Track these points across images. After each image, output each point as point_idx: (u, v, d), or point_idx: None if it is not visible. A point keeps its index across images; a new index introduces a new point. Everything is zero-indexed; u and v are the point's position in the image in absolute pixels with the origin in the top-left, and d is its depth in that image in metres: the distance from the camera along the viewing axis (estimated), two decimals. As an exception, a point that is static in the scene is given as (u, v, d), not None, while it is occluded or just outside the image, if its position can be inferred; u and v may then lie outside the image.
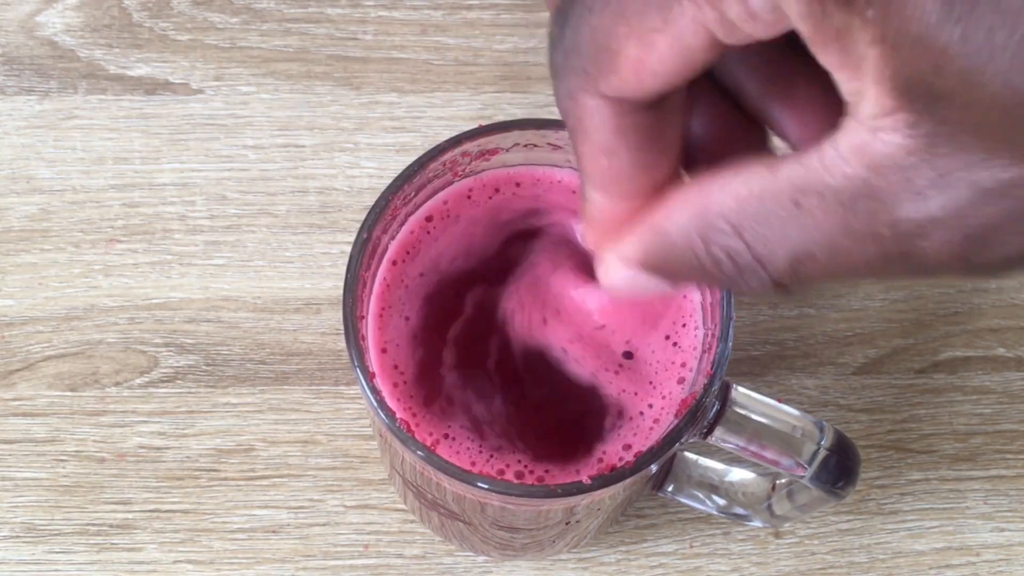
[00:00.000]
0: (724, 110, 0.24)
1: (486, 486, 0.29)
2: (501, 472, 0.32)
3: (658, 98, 0.22)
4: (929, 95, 0.17)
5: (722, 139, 0.24)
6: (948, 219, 0.19)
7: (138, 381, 0.43)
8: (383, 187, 0.31)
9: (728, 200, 0.21)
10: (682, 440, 0.30)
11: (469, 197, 0.34)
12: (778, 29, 0.19)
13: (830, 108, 0.21)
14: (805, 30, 0.18)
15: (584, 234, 0.25)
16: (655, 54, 0.20)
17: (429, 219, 0.34)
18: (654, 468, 0.30)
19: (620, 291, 0.25)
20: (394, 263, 0.33)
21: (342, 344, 0.30)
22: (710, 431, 0.31)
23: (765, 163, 0.21)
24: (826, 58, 0.19)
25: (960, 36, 0.17)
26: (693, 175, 0.22)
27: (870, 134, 0.19)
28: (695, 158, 0.24)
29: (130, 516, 0.42)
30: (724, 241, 0.21)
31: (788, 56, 0.23)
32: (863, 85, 0.18)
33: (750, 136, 0.24)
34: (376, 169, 0.46)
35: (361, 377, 0.30)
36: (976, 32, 0.17)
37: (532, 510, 0.32)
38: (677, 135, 0.23)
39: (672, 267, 0.23)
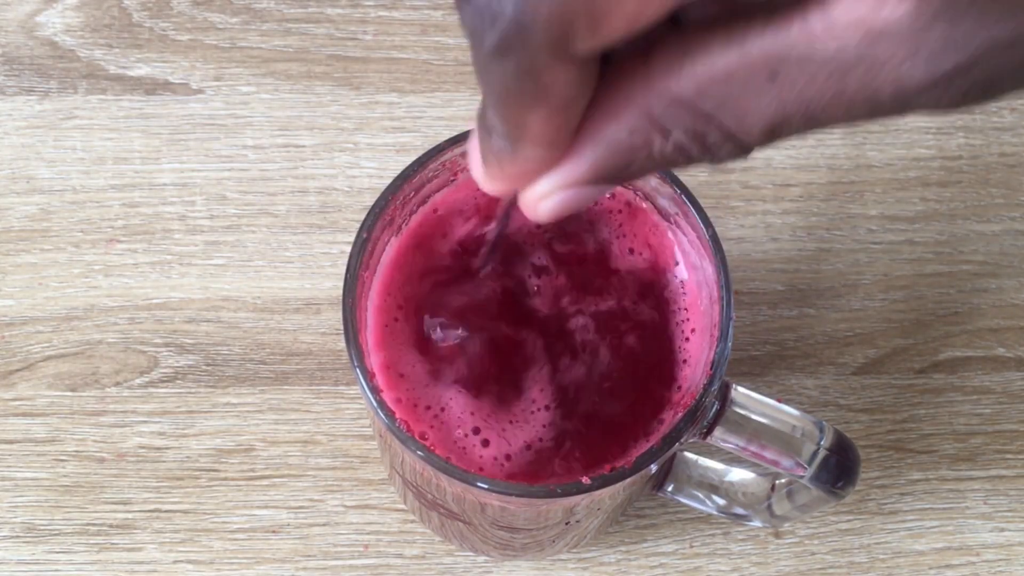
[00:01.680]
0: None
1: (486, 486, 0.29)
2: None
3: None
4: None
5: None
6: (958, 76, 0.18)
7: (138, 381, 0.44)
8: (383, 187, 0.31)
9: (686, 85, 0.20)
10: (682, 440, 0.30)
11: (470, 199, 0.34)
12: None
13: None
14: None
15: (494, 186, 0.23)
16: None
17: (429, 219, 0.34)
18: (654, 468, 0.30)
19: (554, 215, 0.23)
20: (394, 263, 0.33)
21: (342, 344, 0.30)
22: (710, 431, 0.31)
23: (726, 36, 0.19)
24: None
25: None
26: (626, 74, 0.21)
27: (875, 2, 0.18)
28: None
29: (130, 516, 0.42)
30: (690, 125, 0.20)
31: None
32: None
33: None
34: (376, 169, 0.46)
35: (361, 377, 0.30)
36: None
37: (532, 510, 0.32)
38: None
39: (628, 168, 0.21)
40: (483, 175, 0.23)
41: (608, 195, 0.34)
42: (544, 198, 0.22)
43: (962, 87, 0.19)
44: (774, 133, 0.20)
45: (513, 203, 0.24)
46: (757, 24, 0.19)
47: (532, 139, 0.21)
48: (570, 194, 0.22)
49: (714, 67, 0.19)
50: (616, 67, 0.21)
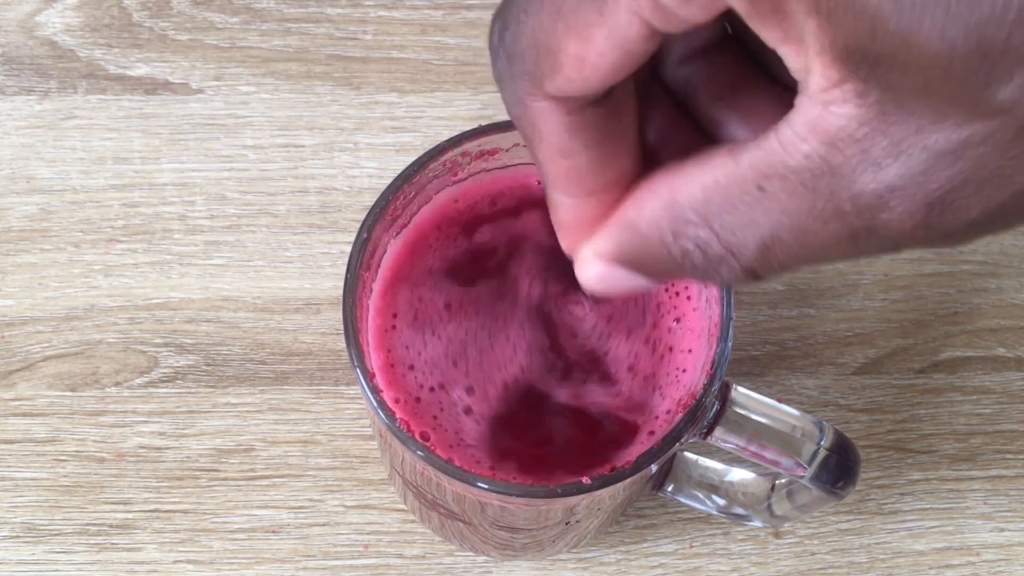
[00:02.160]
0: (678, 118, 0.24)
1: (486, 486, 0.29)
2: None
3: (604, 92, 0.21)
4: (871, 61, 0.17)
5: (678, 146, 0.24)
6: (907, 187, 0.18)
7: (138, 381, 0.43)
8: (383, 187, 0.31)
9: (695, 191, 0.21)
10: (682, 440, 0.30)
11: (469, 197, 0.34)
12: (713, 10, 0.19)
13: (781, 117, 0.21)
14: (740, 7, 0.18)
15: (560, 240, 0.25)
16: (594, 48, 0.20)
17: (429, 219, 0.34)
18: (654, 468, 0.30)
19: (598, 289, 0.24)
20: (394, 263, 0.33)
21: (342, 344, 0.30)
22: (710, 431, 0.31)
23: (727, 151, 0.20)
24: (767, 33, 0.18)
25: None
26: (661, 168, 0.22)
27: (822, 108, 0.18)
28: (654, 163, 0.24)
29: (130, 516, 0.42)
30: (693, 232, 0.21)
31: (742, 67, 0.23)
32: (808, 59, 0.18)
33: (703, 143, 0.24)
34: (376, 169, 0.46)
35: (361, 377, 0.30)
36: None
37: (532, 510, 0.32)
38: (631, 127, 0.23)
39: (645, 261, 0.23)
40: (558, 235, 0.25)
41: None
42: (584, 264, 0.24)
43: (920, 202, 0.18)
44: (768, 251, 0.20)
45: None
46: (764, 111, 0.21)
47: (550, 182, 0.23)
48: (605, 270, 0.23)
49: (717, 177, 0.20)
50: (661, 162, 0.22)
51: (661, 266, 0.22)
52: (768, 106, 0.22)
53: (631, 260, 0.23)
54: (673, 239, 0.21)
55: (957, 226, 0.19)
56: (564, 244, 0.25)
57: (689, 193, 0.21)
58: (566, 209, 0.23)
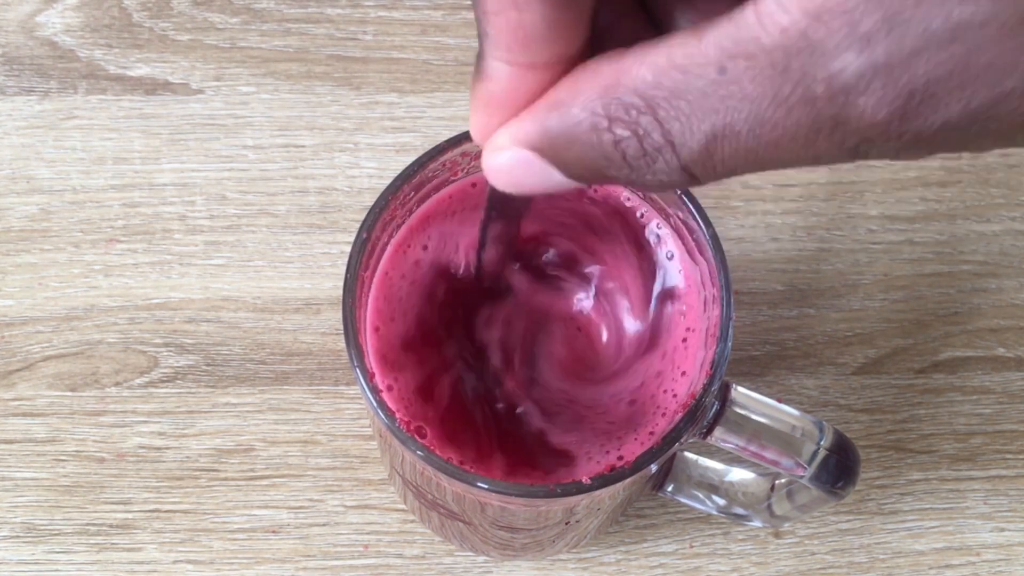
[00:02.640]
0: (631, 7, 0.22)
1: (486, 486, 0.29)
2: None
3: None
4: None
5: (625, 38, 0.21)
6: (892, 68, 0.17)
7: (138, 381, 0.44)
8: (383, 187, 0.31)
9: (643, 72, 0.19)
10: (682, 440, 0.30)
11: (469, 197, 0.34)
12: None
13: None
14: None
15: (473, 121, 0.22)
16: None
17: (429, 219, 0.34)
18: (654, 468, 0.30)
19: (502, 181, 0.22)
20: (394, 263, 0.33)
21: (342, 344, 0.30)
22: (710, 431, 0.31)
23: (692, 29, 0.19)
24: None
25: None
26: (606, 53, 0.20)
27: None
28: (598, 51, 0.21)
29: (130, 516, 0.42)
30: (633, 117, 0.19)
31: None
32: None
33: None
34: (376, 169, 0.46)
35: (361, 377, 0.30)
36: None
37: (532, 510, 0.32)
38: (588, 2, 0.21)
39: (568, 150, 0.20)
40: (471, 117, 0.22)
41: (593, 190, 0.34)
42: (496, 150, 0.21)
43: (902, 88, 0.17)
44: (715, 145, 0.19)
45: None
46: (722, 11, 0.19)
47: (491, 40, 0.20)
48: (519, 160, 0.21)
49: (673, 57, 0.19)
50: (603, 50, 0.20)
51: (585, 159, 0.20)
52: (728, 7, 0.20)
53: (552, 148, 0.21)
54: (608, 124, 0.20)
55: (931, 125, 0.18)
56: (478, 125, 0.22)
57: (636, 75, 0.19)
58: (497, 81, 0.21)
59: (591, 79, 0.20)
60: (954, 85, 0.17)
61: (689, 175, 0.20)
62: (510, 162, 0.21)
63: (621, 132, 0.19)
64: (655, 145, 0.19)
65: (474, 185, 0.34)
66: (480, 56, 0.21)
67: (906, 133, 0.18)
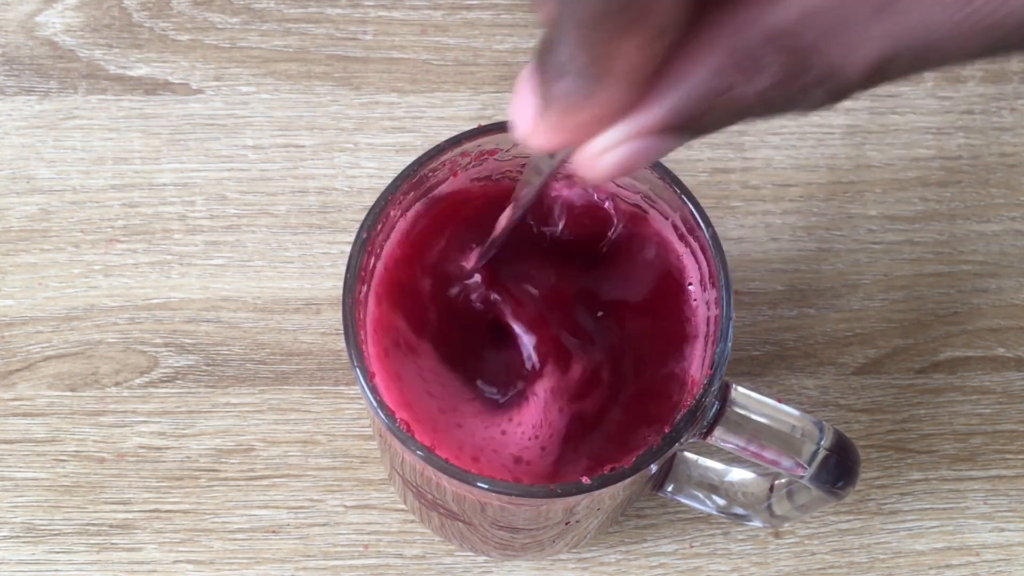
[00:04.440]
0: None
1: (486, 486, 0.29)
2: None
3: None
4: None
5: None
6: None
7: (138, 381, 0.44)
8: (383, 187, 0.31)
9: (786, 14, 0.18)
10: (682, 440, 0.30)
11: (470, 197, 0.34)
12: None
13: None
14: None
15: (551, 134, 0.20)
16: None
17: (429, 219, 0.34)
18: (654, 468, 0.30)
19: (615, 169, 0.20)
20: (394, 263, 0.33)
21: (342, 344, 0.30)
22: (710, 431, 0.31)
23: None
24: None
25: None
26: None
27: None
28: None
29: (130, 516, 0.42)
30: (782, 61, 0.18)
31: None
32: None
33: None
34: (376, 169, 0.46)
35: (361, 377, 0.30)
36: None
37: (532, 510, 0.32)
38: None
39: (703, 119, 0.19)
40: (541, 127, 0.20)
41: (606, 198, 0.34)
42: (609, 151, 0.20)
43: None
44: (880, 71, 0.18)
45: (558, 165, 0.22)
46: None
47: (619, 75, 0.19)
48: (638, 146, 0.20)
49: None
50: (705, 4, 0.19)
51: (725, 116, 0.19)
52: None
53: (685, 122, 0.19)
54: (749, 80, 0.19)
55: None
56: (558, 142, 0.20)
57: (777, 19, 0.18)
58: (610, 103, 0.19)
59: (713, 40, 0.19)
60: None
61: (844, 96, 0.19)
62: (628, 156, 0.20)
63: (769, 78, 0.19)
64: (814, 80, 0.19)
65: (471, 191, 0.34)
66: (569, 87, 0.19)
67: None
